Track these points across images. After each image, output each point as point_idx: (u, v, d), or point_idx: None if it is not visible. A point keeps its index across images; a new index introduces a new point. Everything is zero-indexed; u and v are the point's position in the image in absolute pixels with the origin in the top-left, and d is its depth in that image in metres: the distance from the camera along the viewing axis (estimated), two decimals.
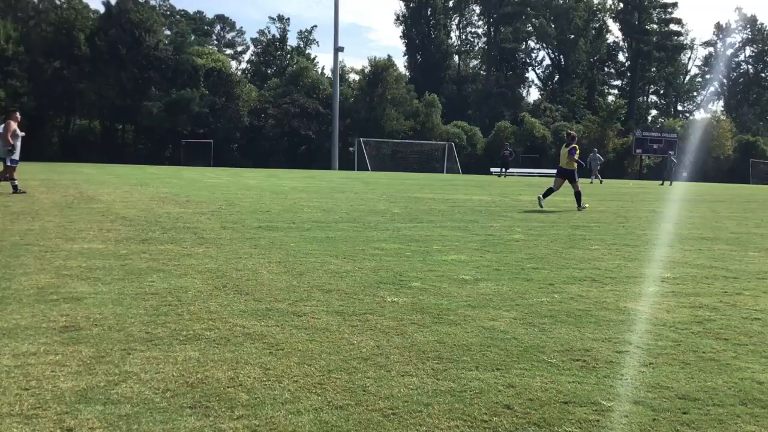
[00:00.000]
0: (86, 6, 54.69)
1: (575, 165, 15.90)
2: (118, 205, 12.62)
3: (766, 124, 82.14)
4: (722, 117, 71.52)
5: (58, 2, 53.12)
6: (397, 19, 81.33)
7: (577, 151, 15.98)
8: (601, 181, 36.72)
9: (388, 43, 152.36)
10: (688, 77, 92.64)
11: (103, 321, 4.56)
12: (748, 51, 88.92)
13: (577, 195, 15.65)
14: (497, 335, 4.54)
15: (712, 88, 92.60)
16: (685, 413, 3.32)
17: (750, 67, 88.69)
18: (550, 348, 4.29)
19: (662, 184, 37.06)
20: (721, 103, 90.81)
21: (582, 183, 16.84)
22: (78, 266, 6.44)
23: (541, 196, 15.71)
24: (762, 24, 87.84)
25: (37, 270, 6.21)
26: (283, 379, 3.59)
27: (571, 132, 17.61)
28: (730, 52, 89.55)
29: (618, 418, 3.24)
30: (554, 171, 17.69)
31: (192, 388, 3.41)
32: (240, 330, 4.46)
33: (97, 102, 50.74)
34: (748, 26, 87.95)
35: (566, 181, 16.03)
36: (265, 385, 3.50)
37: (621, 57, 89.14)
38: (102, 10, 54.05)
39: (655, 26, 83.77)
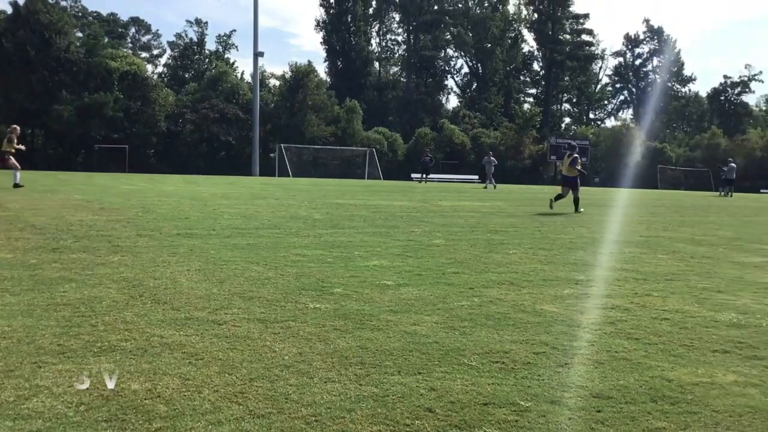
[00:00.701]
0: None
1: (576, 173, 17.91)
2: (27, 213, 12.09)
3: (673, 131, 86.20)
4: (631, 125, 74.55)
5: None
6: (318, 25, 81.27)
7: (579, 161, 17.97)
8: (495, 186, 35.38)
9: (309, 48, 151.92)
10: (599, 86, 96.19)
11: (12, 333, 4.36)
12: (655, 61, 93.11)
13: (576, 200, 17.41)
14: (419, 339, 4.59)
15: (621, 97, 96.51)
16: (599, 411, 3.44)
17: (657, 76, 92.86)
18: (470, 351, 4.37)
19: None
20: (631, 111, 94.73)
21: (477, 188, 17.42)
22: None
23: (552, 199, 17.84)
24: (668, 35, 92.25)
25: None
26: (203, 389, 3.52)
27: (572, 143, 20.75)
28: (638, 62, 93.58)
29: (535, 417, 3.33)
30: (474, 177, 19.60)
31: (107, 401, 3.30)
32: (158, 340, 4.35)
33: (4, 106, 48.45)
34: (656, 37, 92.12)
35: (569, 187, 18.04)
36: (185, 395, 3.42)
37: (536, 66, 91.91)
38: (9, 10, 51.80)
39: (568, 36, 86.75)
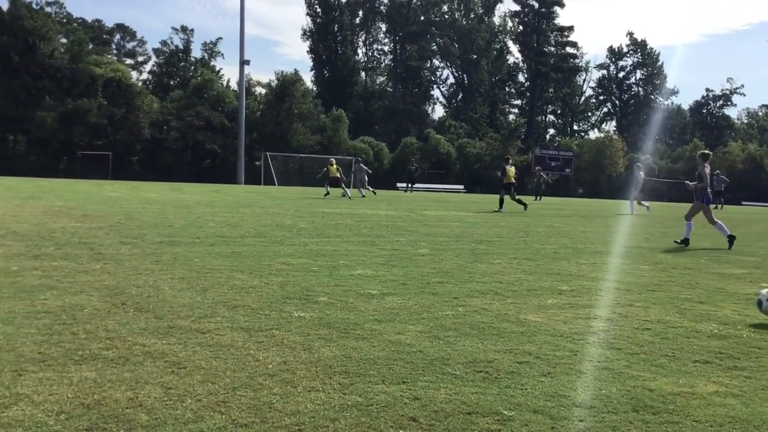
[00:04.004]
0: None
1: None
2: (8, 220, 11.98)
3: (655, 143, 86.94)
4: (614, 136, 75.15)
5: None
6: (304, 33, 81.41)
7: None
8: (360, 194, 31.16)
9: (296, 57, 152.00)
10: (583, 98, 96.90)
11: None
12: (638, 74, 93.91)
13: (519, 200, 23.41)
14: (403, 349, 4.58)
15: (605, 109, 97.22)
16: (581, 421, 3.45)
17: (640, 89, 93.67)
18: (454, 360, 4.37)
19: (537, 199, 38.44)
20: (614, 123, 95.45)
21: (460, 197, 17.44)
22: None
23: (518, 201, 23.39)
24: (651, 48, 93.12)
25: None
26: (186, 398, 3.50)
27: (507, 156, 27.21)
28: (622, 74, 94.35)
29: (518, 427, 3.33)
30: (460, 186, 23.62)
31: (88, 410, 3.27)
32: (140, 348, 4.31)
33: None
34: (639, 50, 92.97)
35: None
36: (167, 405, 3.39)
37: (521, 77, 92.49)
38: None
39: (552, 49, 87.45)
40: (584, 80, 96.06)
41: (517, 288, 7.20)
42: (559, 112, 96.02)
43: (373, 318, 5.46)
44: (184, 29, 78.85)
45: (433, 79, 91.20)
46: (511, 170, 23.51)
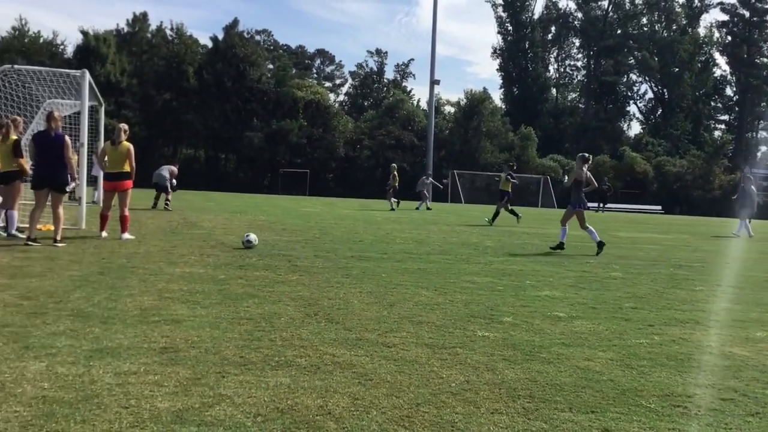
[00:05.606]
0: (195, 41, 57.43)
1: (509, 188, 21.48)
2: (218, 231, 13.07)
3: None
4: None
5: (170, 38, 56.08)
6: (495, 52, 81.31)
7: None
8: (427, 207, 31.89)
9: (485, 76, 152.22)
10: None
11: (201, 344, 4.69)
12: None
13: (497, 213, 20.88)
14: (592, 376, 4.38)
15: None
16: None
17: None
18: (648, 392, 4.10)
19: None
20: None
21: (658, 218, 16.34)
22: (179, 289, 6.68)
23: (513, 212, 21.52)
24: None
25: (141, 292, 6.48)
26: (372, 410, 3.58)
27: (510, 163, 24.77)
28: None
29: None
30: (657, 207, 21.00)
31: (282, 414, 3.44)
32: (330, 358, 4.49)
33: (202, 132, 52.97)
34: None
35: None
36: (354, 415, 3.49)
37: (729, 91, 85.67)
38: (210, 44, 56.71)
39: (765, 60, 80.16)
40: None
41: (721, 318, 6.64)
42: None
43: (560, 342, 5.29)
44: (378, 52, 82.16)
45: (629, 94, 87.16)
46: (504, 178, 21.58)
